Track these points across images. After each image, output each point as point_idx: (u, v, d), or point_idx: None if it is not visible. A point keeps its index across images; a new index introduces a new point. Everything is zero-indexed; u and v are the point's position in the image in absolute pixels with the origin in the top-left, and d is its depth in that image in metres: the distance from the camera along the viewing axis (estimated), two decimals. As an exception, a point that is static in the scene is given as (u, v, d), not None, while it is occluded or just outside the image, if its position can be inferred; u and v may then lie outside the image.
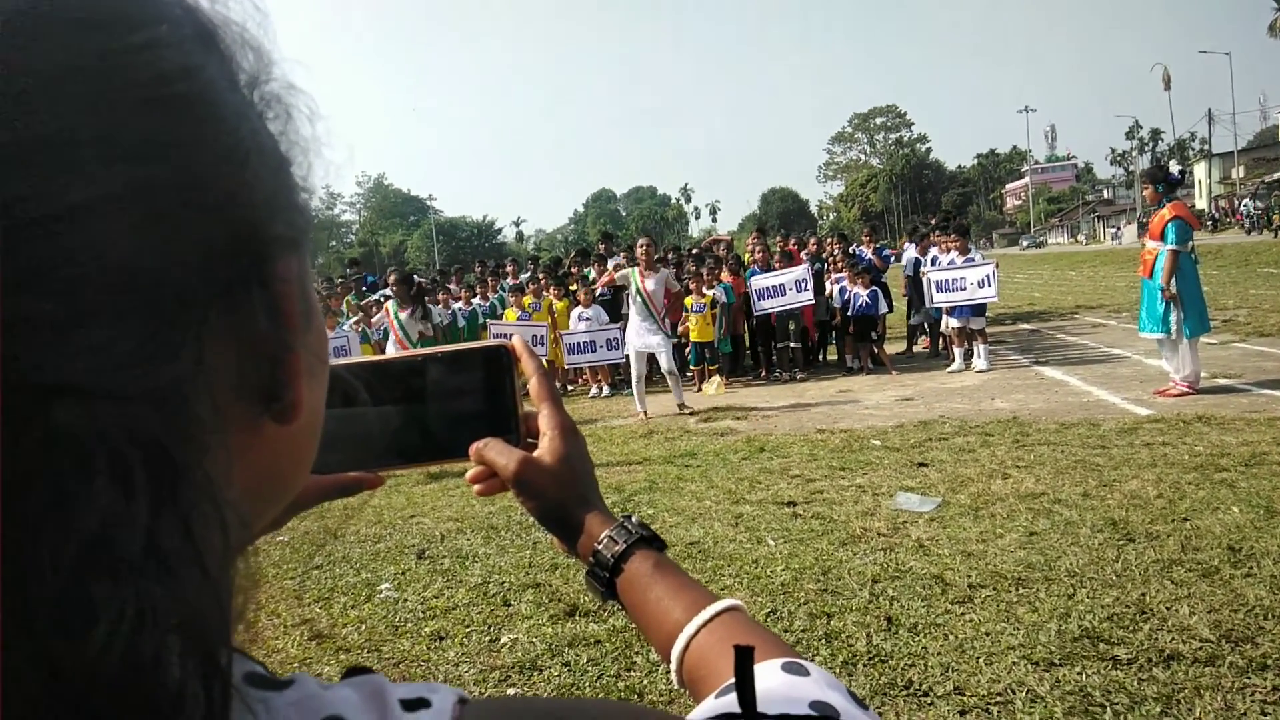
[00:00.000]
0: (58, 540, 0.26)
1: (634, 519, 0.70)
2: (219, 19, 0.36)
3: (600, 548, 0.68)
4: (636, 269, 8.41)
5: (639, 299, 8.32)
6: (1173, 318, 6.95)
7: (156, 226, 0.30)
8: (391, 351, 8.92)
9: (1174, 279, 6.94)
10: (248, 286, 0.34)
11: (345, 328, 10.68)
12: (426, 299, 10.11)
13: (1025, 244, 70.52)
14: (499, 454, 0.67)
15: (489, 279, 13.17)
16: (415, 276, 10.62)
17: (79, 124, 0.28)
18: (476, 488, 0.69)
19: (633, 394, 8.65)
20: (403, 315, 8.68)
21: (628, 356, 8.82)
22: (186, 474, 0.29)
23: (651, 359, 8.58)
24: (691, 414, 8.40)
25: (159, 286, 0.30)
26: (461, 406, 0.69)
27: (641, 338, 8.38)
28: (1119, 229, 66.00)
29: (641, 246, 8.70)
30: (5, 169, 0.27)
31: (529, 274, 13.24)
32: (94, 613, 0.26)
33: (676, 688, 0.66)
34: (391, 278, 9.62)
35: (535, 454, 0.68)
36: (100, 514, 0.27)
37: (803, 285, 9.98)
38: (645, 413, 8.45)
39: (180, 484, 0.29)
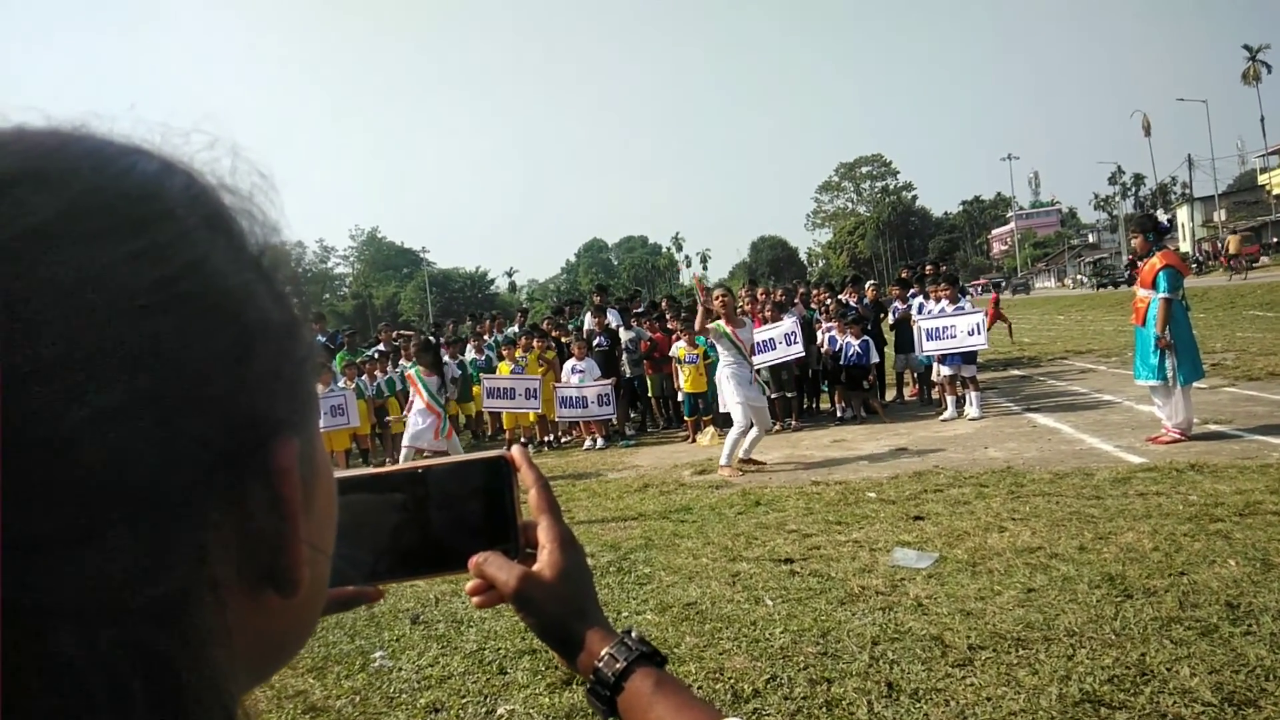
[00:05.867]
0: None
1: (634, 634, 0.69)
2: (226, 197, 0.36)
3: (601, 665, 0.67)
4: (720, 321, 7.85)
5: (733, 348, 7.83)
6: (1168, 365, 7.01)
7: (158, 434, 0.29)
8: (418, 414, 8.69)
9: (1167, 326, 7.02)
10: (246, 480, 0.33)
11: (340, 386, 10.68)
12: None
13: (1016, 289, 67.70)
14: (499, 569, 0.67)
15: (482, 331, 13.25)
16: (430, 339, 10.70)
17: (83, 341, 0.28)
18: (476, 600, 0.69)
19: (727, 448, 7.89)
20: (431, 383, 8.73)
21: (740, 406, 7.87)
22: (189, 679, 0.29)
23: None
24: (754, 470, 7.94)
25: (160, 494, 0.29)
26: (461, 518, 0.68)
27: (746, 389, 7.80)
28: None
29: (719, 298, 8.12)
30: (11, 393, 0.27)
31: (518, 326, 13.35)
32: None
33: None
34: (413, 347, 9.82)
35: (535, 568, 0.68)
36: None
37: (792, 339, 10.04)
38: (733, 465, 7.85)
39: (183, 693, 0.29)
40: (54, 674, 0.26)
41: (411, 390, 9.03)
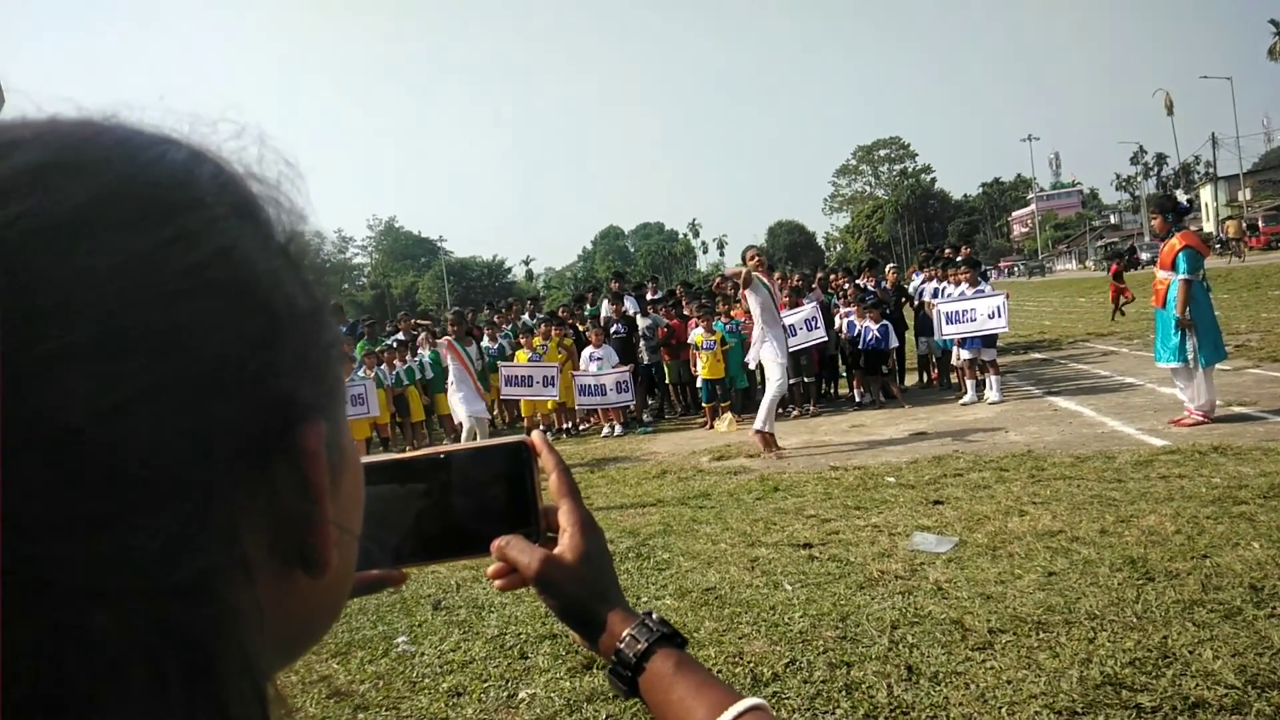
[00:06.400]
0: None
1: (654, 616, 0.70)
2: (253, 185, 0.37)
3: (622, 646, 0.68)
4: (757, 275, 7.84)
5: (771, 302, 7.84)
6: (1189, 346, 6.94)
7: (188, 417, 0.30)
8: (455, 381, 8.66)
9: (1188, 307, 6.94)
10: (274, 463, 0.34)
11: (360, 375, 10.77)
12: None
13: (1033, 272, 67.39)
14: (521, 552, 0.68)
15: (499, 319, 13.29)
16: (463, 314, 10.94)
17: (115, 326, 0.29)
18: (498, 583, 0.70)
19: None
20: (471, 351, 8.85)
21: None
22: (222, 657, 0.30)
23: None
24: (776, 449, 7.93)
25: (190, 477, 0.30)
26: (483, 502, 0.69)
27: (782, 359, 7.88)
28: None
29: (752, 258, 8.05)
30: (42, 379, 0.27)
31: (529, 315, 13.39)
32: None
33: None
34: (449, 316, 10.06)
35: (556, 550, 0.69)
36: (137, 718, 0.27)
37: (813, 324, 10.01)
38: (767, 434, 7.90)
39: (215, 671, 0.30)
40: (89, 652, 0.26)
41: (450, 361, 8.78)
